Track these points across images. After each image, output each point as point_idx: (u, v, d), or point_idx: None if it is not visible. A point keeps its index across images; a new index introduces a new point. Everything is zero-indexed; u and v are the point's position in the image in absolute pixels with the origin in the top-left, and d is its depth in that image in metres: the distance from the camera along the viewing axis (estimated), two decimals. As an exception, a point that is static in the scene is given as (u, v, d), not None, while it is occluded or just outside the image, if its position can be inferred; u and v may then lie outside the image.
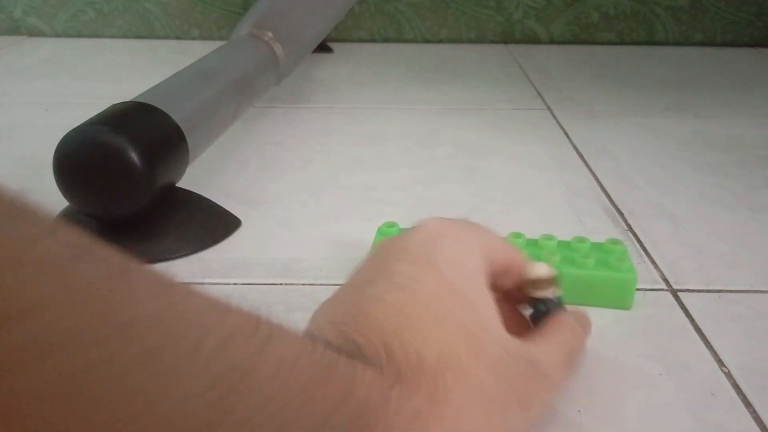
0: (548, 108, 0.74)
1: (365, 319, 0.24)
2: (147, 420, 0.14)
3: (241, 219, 0.48)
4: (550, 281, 0.31)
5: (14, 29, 1.06)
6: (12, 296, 0.12)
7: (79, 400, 0.13)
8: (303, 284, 0.41)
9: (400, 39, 1.05)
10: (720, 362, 0.34)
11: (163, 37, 1.05)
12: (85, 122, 0.41)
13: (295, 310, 0.38)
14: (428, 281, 0.26)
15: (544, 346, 0.28)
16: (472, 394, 0.24)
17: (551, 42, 1.05)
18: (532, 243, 0.40)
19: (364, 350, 0.23)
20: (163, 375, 0.14)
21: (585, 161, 0.60)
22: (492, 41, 1.05)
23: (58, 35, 1.06)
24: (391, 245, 0.29)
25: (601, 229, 0.47)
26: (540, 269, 0.31)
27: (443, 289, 0.26)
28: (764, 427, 0.30)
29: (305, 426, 0.18)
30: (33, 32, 1.06)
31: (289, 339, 0.19)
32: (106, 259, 0.15)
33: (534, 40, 1.05)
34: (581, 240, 0.40)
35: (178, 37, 1.05)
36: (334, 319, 0.25)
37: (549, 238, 0.40)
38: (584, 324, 0.33)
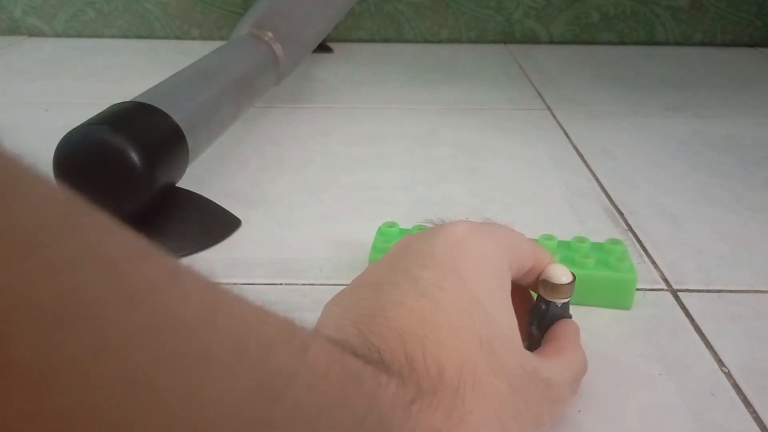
0: (548, 108, 0.74)
1: (386, 323, 0.24)
2: (198, 419, 0.14)
3: (241, 219, 0.48)
4: (567, 290, 0.31)
5: (14, 29, 1.06)
6: (73, 297, 0.12)
7: (136, 399, 0.13)
8: (303, 284, 0.41)
9: (400, 39, 1.05)
10: (720, 362, 0.34)
11: (163, 37, 1.05)
12: (85, 122, 0.41)
13: (295, 310, 0.38)
14: (452, 291, 0.26)
15: (557, 365, 0.28)
16: (489, 410, 0.24)
17: (551, 42, 1.05)
18: (532, 243, 0.40)
19: (384, 356, 0.23)
20: (212, 375, 0.14)
21: (585, 161, 0.60)
22: (492, 41, 1.05)
23: (58, 35, 1.06)
24: (416, 247, 0.28)
25: (601, 229, 0.47)
26: (562, 276, 0.30)
27: (466, 301, 0.25)
28: (764, 427, 0.30)
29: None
30: (33, 32, 1.06)
31: (323, 346, 0.19)
32: (160, 259, 0.15)
33: (534, 40, 1.05)
34: (581, 240, 0.40)
35: (178, 37, 1.05)
36: (354, 317, 0.25)
37: (549, 238, 0.40)
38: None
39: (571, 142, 0.64)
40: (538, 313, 0.31)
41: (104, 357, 0.12)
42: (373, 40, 1.05)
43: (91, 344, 0.12)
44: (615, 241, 0.39)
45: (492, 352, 0.25)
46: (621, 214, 0.50)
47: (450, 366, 0.23)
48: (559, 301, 0.31)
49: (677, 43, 1.04)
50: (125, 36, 1.05)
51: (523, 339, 0.29)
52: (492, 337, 0.25)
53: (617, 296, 0.38)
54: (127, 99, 0.45)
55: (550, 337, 0.31)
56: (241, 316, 0.17)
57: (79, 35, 1.06)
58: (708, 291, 0.40)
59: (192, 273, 0.16)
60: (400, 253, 0.28)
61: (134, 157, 0.40)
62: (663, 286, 0.41)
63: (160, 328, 0.14)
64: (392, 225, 0.42)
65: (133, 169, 0.40)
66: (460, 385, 0.23)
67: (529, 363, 0.26)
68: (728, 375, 0.33)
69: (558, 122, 0.70)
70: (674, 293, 0.40)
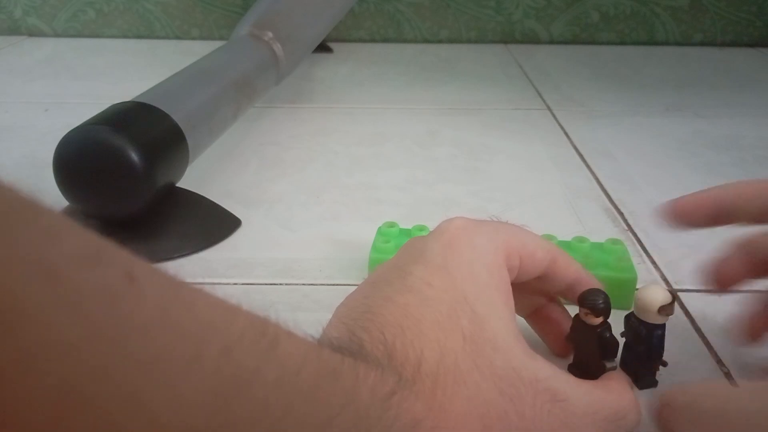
0: (548, 108, 0.74)
1: (373, 317, 0.24)
2: (144, 426, 0.14)
3: (241, 219, 0.48)
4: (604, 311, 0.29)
5: (14, 29, 1.06)
6: (3, 304, 0.12)
7: (71, 407, 0.13)
8: (303, 284, 0.41)
9: (400, 39, 1.05)
10: (720, 362, 0.34)
11: (163, 37, 1.05)
12: (85, 122, 0.41)
13: (295, 310, 0.38)
14: (439, 287, 0.25)
15: (583, 389, 0.26)
16: (470, 405, 0.23)
17: (551, 42, 1.05)
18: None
19: (366, 347, 0.23)
20: (162, 381, 0.14)
21: (585, 161, 0.60)
22: (492, 41, 1.05)
23: (58, 35, 1.06)
24: (413, 246, 0.28)
25: (601, 229, 0.47)
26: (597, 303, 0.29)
27: (453, 297, 0.25)
28: (764, 427, 0.30)
29: (309, 429, 0.18)
30: (33, 32, 1.06)
31: (295, 342, 0.19)
32: (113, 263, 0.15)
33: (534, 40, 1.05)
34: (581, 240, 0.39)
35: (178, 37, 1.05)
36: (351, 315, 0.25)
37: (549, 238, 0.40)
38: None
39: (571, 142, 0.64)
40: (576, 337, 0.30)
41: (35, 365, 0.12)
42: (373, 40, 1.05)
43: (20, 352, 0.12)
44: (615, 241, 0.39)
45: (477, 350, 0.24)
46: (621, 214, 0.50)
47: (429, 356, 0.23)
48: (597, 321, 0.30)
49: (677, 43, 1.04)
50: (125, 36, 1.05)
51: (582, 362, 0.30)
52: (477, 335, 0.24)
53: (617, 296, 0.38)
54: (127, 99, 0.45)
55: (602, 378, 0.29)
56: (202, 316, 0.16)
57: (79, 35, 1.06)
58: (708, 291, 0.40)
59: (153, 275, 0.16)
60: (401, 252, 0.29)
61: (134, 157, 0.40)
62: (663, 286, 0.41)
63: (104, 334, 0.13)
64: (392, 225, 0.42)
65: (133, 169, 0.40)
66: (440, 375, 0.23)
67: (527, 369, 0.24)
68: (728, 375, 0.33)
69: (558, 122, 0.70)
70: (674, 293, 0.40)
